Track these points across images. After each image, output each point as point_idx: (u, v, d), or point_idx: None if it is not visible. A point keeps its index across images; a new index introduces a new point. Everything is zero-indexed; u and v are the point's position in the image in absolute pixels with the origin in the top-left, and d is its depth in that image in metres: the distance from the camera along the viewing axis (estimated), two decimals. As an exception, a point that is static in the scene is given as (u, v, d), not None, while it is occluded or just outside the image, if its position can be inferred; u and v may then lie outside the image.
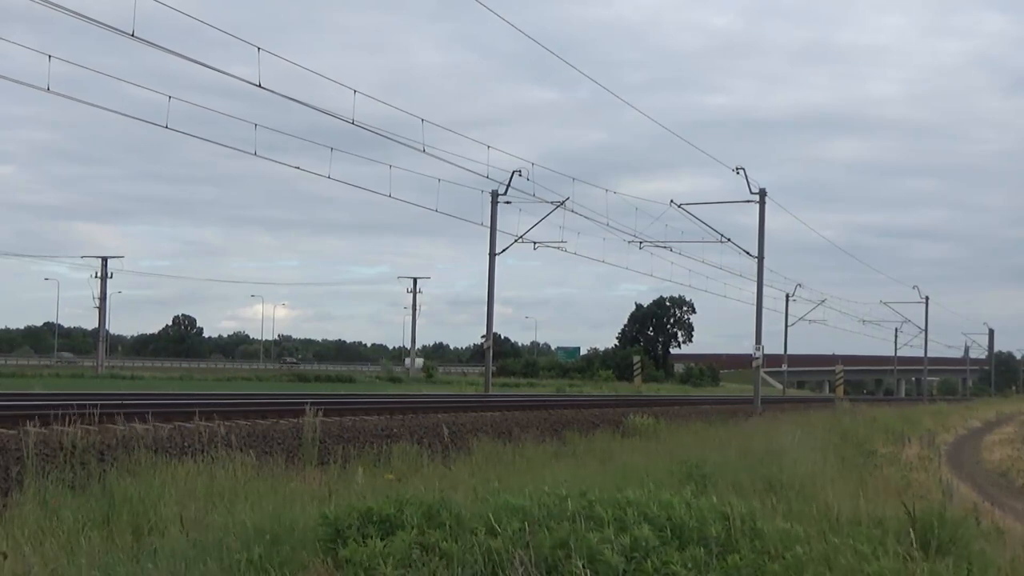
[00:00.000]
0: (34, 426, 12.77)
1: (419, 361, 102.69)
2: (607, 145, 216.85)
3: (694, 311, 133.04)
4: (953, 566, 7.56)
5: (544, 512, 7.73)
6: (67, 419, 13.53)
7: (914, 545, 7.99)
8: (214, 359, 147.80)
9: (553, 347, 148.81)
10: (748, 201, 44.41)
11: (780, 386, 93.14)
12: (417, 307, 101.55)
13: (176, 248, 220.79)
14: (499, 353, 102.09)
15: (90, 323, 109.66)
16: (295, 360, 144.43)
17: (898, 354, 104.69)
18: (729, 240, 46.35)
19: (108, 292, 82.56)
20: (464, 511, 7.93)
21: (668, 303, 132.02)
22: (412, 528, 7.50)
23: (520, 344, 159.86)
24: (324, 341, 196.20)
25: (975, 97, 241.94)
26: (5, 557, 7.32)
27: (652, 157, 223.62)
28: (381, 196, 34.29)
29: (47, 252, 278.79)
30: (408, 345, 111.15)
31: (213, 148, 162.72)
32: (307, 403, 17.31)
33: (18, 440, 12.31)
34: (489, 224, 43.71)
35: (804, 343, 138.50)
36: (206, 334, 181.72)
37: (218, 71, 23.73)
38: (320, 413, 16.64)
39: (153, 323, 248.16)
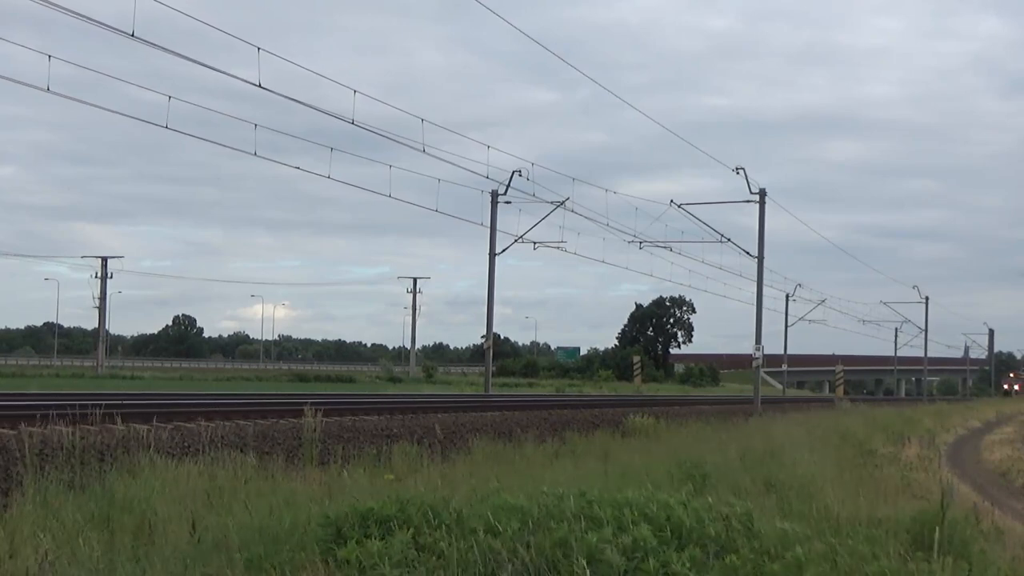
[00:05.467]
0: (34, 426, 12.77)
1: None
2: (607, 146, 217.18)
3: (694, 311, 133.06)
4: (953, 566, 7.56)
5: (544, 512, 7.73)
6: (67, 419, 13.53)
7: (914, 545, 7.99)
8: (214, 359, 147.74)
9: (553, 347, 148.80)
10: (748, 201, 44.44)
11: (780, 386, 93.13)
12: (417, 307, 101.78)
13: (177, 248, 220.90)
14: (499, 353, 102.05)
15: (90, 323, 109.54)
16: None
17: (898, 354, 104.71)
18: (729, 240, 46.38)
19: (108, 292, 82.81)
20: (464, 511, 7.93)
21: (668, 303, 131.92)
22: (412, 528, 7.51)
23: (520, 344, 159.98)
24: (324, 341, 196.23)
25: (973, 99, 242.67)
26: (12, 557, 7.33)
27: (652, 158, 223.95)
28: (381, 196, 34.34)
29: (47, 252, 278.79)
30: (408, 345, 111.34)
31: (214, 149, 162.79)
32: (307, 403, 17.32)
33: (18, 440, 12.32)
34: (489, 224, 43.72)
35: (804, 343, 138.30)
36: (206, 334, 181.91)
37: (218, 71, 23.75)
38: (320, 413, 16.64)
39: (153, 323, 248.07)
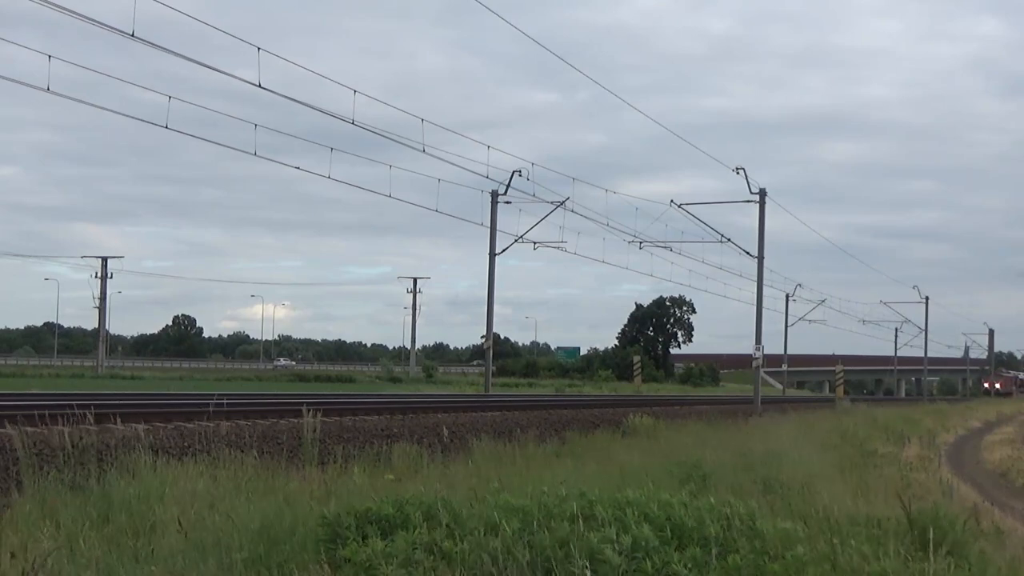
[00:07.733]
0: (33, 426, 12.76)
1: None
2: (607, 147, 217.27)
3: (694, 311, 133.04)
4: (953, 566, 7.55)
5: (544, 512, 7.72)
6: (66, 419, 13.51)
7: (914, 545, 7.98)
8: (214, 359, 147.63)
9: (553, 347, 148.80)
10: (748, 201, 44.47)
11: (780, 386, 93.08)
12: (417, 307, 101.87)
13: (178, 249, 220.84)
14: (499, 353, 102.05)
15: (90, 323, 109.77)
16: (290, 362, 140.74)
17: (898, 354, 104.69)
18: (729, 240, 46.39)
19: (108, 292, 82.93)
20: (464, 511, 7.92)
21: (668, 303, 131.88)
22: (412, 528, 7.50)
23: (520, 344, 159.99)
24: (324, 341, 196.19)
25: (972, 100, 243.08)
26: (13, 556, 7.32)
27: (652, 158, 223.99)
28: (382, 196, 34.35)
29: (48, 252, 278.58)
30: (408, 345, 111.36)
31: (214, 149, 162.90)
32: (304, 403, 17.31)
33: (18, 440, 12.30)
34: (489, 224, 43.71)
35: (804, 343, 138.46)
36: (206, 334, 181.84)
37: (219, 71, 23.74)
38: (320, 413, 16.62)
39: (153, 323, 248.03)
